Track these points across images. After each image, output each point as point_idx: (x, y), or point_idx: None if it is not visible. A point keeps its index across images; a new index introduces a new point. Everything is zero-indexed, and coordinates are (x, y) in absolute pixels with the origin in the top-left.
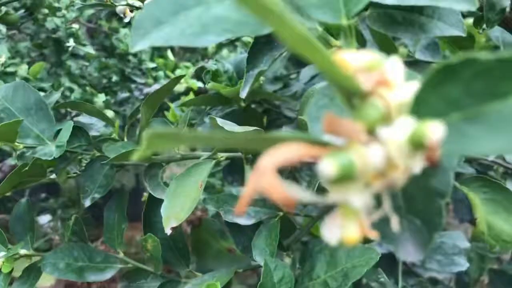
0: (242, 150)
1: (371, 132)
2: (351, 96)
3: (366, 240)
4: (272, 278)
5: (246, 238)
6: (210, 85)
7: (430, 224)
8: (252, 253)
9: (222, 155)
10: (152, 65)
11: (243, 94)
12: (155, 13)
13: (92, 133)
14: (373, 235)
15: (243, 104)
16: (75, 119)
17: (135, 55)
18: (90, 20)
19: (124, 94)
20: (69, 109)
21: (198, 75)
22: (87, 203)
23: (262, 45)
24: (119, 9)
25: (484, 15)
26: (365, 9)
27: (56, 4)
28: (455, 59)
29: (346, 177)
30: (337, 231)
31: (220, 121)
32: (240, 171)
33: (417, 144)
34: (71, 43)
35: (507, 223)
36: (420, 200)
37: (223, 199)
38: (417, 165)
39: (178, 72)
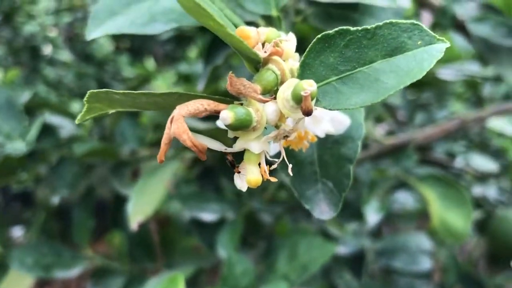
0: (165, 109)
1: (268, 92)
2: (255, 63)
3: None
4: (234, 271)
5: (211, 235)
6: (184, 87)
7: (340, 185)
8: (216, 249)
9: (188, 154)
10: (130, 72)
11: (200, 87)
12: (110, 4)
13: (63, 133)
14: (272, 179)
15: None
16: (46, 119)
17: (114, 61)
18: (69, 28)
19: None
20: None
21: (177, 81)
22: (56, 200)
23: (218, 43)
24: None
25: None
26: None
27: (33, 13)
28: (333, 31)
29: (242, 125)
30: (245, 180)
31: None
32: (214, 178)
33: (297, 97)
34: (48, 50)
35: (458, 218)
36: (332, 166)
37: (189, 195)
38: (299, 115)
39: (159, 80)
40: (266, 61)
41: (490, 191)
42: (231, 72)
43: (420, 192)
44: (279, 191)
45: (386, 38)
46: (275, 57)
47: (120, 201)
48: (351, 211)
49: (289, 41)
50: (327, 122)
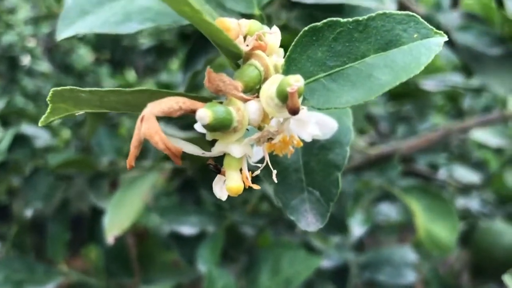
0: (136, 109)
1: (250, 90)
2: (235, 59)
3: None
4: (215, 287)
5: (191, 249)
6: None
7: (327, 194)
8: (196, 263)
9: (168, 165)
10: (111, 84)
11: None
12: (81, 4)
13: (38, 144)
14: (256, 186)
15: None
16: (21, 129)
17: (94, 73)
18: (48, 39)
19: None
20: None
21: None
22: (29, 213)
23: (198, 49)
24: None
25: None
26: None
27: (11, 22)
28: (321, 23)
29: (222, 125)
30: (225, 188)
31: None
32: (194, 190)
33: (282, 94)
34: (26, 60)
35: (444, 230)
36: (319, 173)
37: (168, 208)
38: (285, 115)
39: None
40: (248, 56)
41: (472, 203)
42: (209, 66)
43: (405, 203)
44: (261, 203)
45: (379, 31)
46: (258, 52)
47: (97, 214)
48: (335, 223)
49: (274, 34)
50: (313, 125)
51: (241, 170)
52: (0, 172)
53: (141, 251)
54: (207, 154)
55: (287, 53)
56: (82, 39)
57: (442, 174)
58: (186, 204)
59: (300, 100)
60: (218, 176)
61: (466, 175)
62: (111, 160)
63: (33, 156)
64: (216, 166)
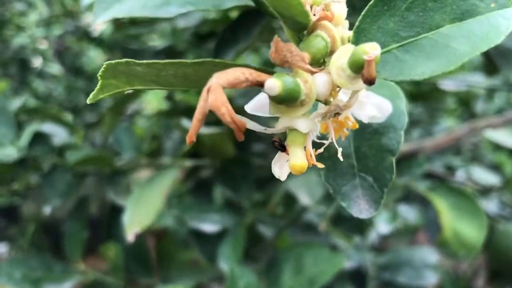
0: (195, 84)
1: (317, 62)
2: (299, 31)
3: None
4: (238, 285)
5: (211, 247)
6: (181, 96)
7: (381, 180)
8: (218, 261)
9: (187, 163)
10: None
11: None
12: None
13: (56, 141)
14: (320, 165)
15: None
16: (39, 127)
17: None
18: (59, 41)
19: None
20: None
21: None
22: (47, 210)
23: (228, 39)
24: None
25: None
26: None
27: (23, 25)
28: None
29: (290, 96)
30: (286, 167)
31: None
32: (208, 191)
33: (356, 63)
34: (37, 63)
35: (471, 229)
36: (371, 158)
37: (188, 205)
38: (359, 86)
39: (149, 94)
40: (313, 27)
41: (491, 205)
42: (276, 36)
43: (430, 202)
44: (278, 205)
45: (454, 0)
46: (325, 22)
47: (115, 212)
48: (359, 222)
49: (341, 2)
50: (372, 106)
51: (304, 148)
52: (20, 169)
53: (160, 250)
54: (270, 130)
55: (357, 23)
56: (93, 40)
57: (460, 176)
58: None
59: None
60: (278, 154)
61: (485, 176)
62: (129, 157)
63: (51, 153)
64: (281, 143)
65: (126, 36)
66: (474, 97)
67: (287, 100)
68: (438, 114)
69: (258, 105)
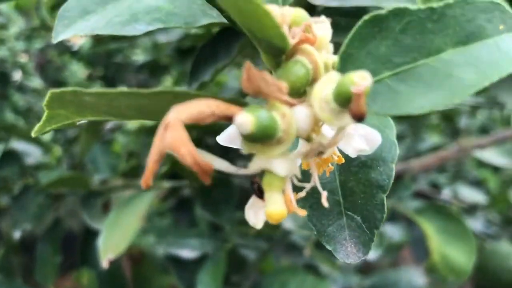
0: (152, 117)
1: (296, 92)
2: (276, 55)
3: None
4: None
5: (190, 273)
6: None
7: (371, 220)
8: None
9: (166, 184)
10: None
11: None
12: (82, 2)
13: (29, 161)
14: (301, 212)
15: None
16: (10, 145)
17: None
18: (41, 54)
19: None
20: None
21: None
22: (17, 234)
23: (206, 58)
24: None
25: None
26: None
27: (3, 37)
28: (385, 10)
29: (265, 134)
30: (262, 213)
31: None
32: (190, 209)
33: (343, 96)
34: (18, 76)
35: (460, 253)
36: (359, 195)
37: (165, 229)
38: (345, 122)
39: None
40: (292, 52)
41: (477, 224)
42: (248, 61)
43: (418, 225)
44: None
45: (458, 21)
46: (306, 46)
47: (89, 235)
48: None
49: (324, 23)
50: (359, 138)
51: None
52: None
53: (137, 274)
54: (243, 171)
55: (343, 48)
56: (75, 54)
57: (446, 194)
58: (181, 224)
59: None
60: (254, 199)
61: (470, 194)
62: (105, 178)
63: (23, 174)
64: (260, 187)
65: (108, 50)
66: (457, 113)
67: (261, 138)
68: (422, 130)
69: (232, 135)
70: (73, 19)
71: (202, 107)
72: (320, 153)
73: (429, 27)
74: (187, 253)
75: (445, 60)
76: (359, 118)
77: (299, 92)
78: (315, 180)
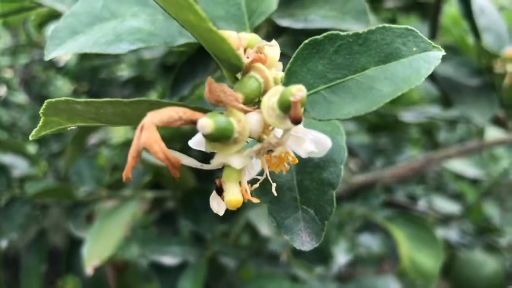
0: (133, 122)
1: (250, 102)
2: (235, 72)
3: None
4: None
5: (172, 280)
6: None
7: (322, 213)
8: None
9: (148, 194)
10: None
11: None
12: (72, 24)
13: (16, 174)
14: (255, 200)
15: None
16: None
17: None
18: (25, 70)
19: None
20: None
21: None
22: (3, 244)
23: (186, 74)
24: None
25: None
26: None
27: None
28: (321, 36)
29: (223, 135)
30: (223, 202)
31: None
32: (173, 222)
33: (284, 104)
34: (2, 91)
35: (428, 258)
36: (313, 192)
37: (149, 238)
38: (288, 125)
39: None
40: (247, 69)
41: (452, 234)
42: (210, 77)
43: (388, 232)
44: (241, 235)
45: (379, 44)
46: (258, 65)
47: (74, 245)
48: (319, 253)
49: (273, 46)
50: (309, 142)
51: (240, 183)
52: None
53: (120, 283)
54: (206, 166)
55: (288, 66)
56: (60, 69)
57: (421, 205)
58: (166, 235)
59: (301, 110)
60: (215, 191)
61: (445, 205)
62: (90, 189)
63: (9, 186)
64: (220, 187)
65: (93, 66)
66: (436, 127)
67: (220, 138)
68: (403, 144)
69: (201, 140)
70: (63, 39)
71: (172, 113)
72: (270, 151)
73: (356, 49)
74: (169, 259)
75: (369, 75)
76: (296, 121)
77: (253, 101)
78: (267, 173)
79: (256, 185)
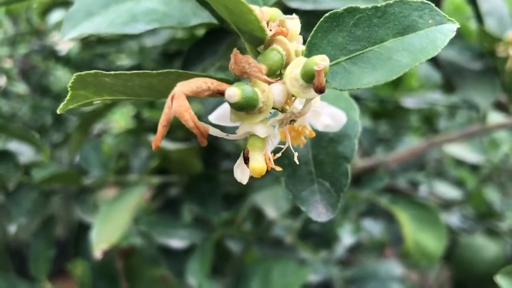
0: (160, 94)
1: (273, 73)
2: (257, 45)
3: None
4: None
5: (179, 263)
6: (148, 113)
7: (338, 185)
8: (186, 277)
9: (154, 180)
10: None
11: None
12: (87, 6)
13: (22, 160)
14: (278, 168)
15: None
16: (4, 145)
17: None
18: (25, 60)
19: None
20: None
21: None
22: (12, 229)
23: (194, 57)
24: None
25: None
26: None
27: None
28: (341, 9)
29: (249, 104)
30: (247, 171)
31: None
32: (177, 209)
33: (308, 74)
34: (1, 82)
35: (432, 239)
36: (328, 165)
37: (155, 221)
38: (311, 94)
39: (117, 114)
40: (270, 42)
41: (453, 219)
42: (235, 48)
43: (392, 215)
44: (245, 221)
45: (397, 17)
46: (280, 37)
47: (82, 230)
48: (324, 237)
49: (294, 19)
50: (326, 115)
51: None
52: None
53: (128, 267)
54: (232, 136)
55: (309, 38)
56: (60, 59)
57: (423, 191)
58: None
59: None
60: (240, 159)
61: (447, 191)
62: (97, 175)
63: (17, 172)
64: (246, 155)
65: (94, 55)
66: (436, 114)
67: (246, 107)
68: (403, 131)
69: (221, 114)
70: (79, 20)
71: (200, 83)
72: (292, 121)
73: (375, 22)
74: (176, 242)
75: (387, 47)
76: (320, 90)
77: (276, 73)
78: (289, 143)
79: (279, 154)
